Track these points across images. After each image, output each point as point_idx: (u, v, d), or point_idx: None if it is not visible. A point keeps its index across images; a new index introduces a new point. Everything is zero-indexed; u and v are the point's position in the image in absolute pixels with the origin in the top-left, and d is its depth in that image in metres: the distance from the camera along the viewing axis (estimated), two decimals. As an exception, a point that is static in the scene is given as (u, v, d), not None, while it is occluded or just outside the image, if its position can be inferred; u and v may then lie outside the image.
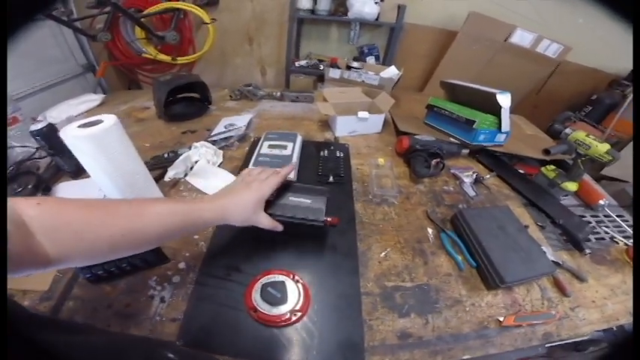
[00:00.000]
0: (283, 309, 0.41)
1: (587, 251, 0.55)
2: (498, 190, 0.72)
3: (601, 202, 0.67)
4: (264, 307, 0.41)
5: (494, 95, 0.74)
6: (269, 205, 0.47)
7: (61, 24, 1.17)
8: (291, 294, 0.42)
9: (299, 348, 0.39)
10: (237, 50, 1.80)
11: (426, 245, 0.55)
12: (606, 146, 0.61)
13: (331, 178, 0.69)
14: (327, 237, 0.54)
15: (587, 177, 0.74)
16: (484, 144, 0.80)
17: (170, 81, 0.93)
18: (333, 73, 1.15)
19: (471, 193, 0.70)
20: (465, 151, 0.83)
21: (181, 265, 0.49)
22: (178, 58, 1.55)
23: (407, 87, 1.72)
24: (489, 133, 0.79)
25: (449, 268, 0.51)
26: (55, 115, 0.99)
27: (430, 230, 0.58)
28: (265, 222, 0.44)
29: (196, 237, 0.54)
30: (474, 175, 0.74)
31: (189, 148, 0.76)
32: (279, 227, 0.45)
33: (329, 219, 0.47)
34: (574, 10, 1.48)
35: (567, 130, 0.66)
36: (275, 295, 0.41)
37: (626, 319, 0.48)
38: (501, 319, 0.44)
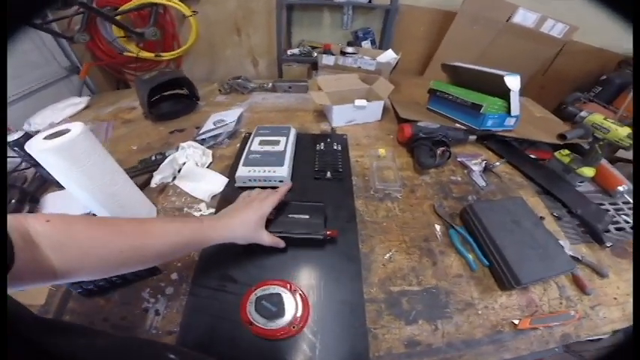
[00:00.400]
0: (280, 322, 0.38)
1: (608, 244, 0.51)
2: (510, 179, 0.68)
3: (620, 188, 0.63)
4: (259, 321, 0.38)
5: (501, 77, 0.69)
6: (269, 223, 0.48)
7: (34, 27, 1.11)
8: (289, 306, 0.39)
9: (300, 362, 0.37)
10: (226, 42, 1.73)
11: (434, 244, 0.52)
12: (627, 130, 0.57)
13: (329, 174, 0.66)
14: (327, 243, 0.51)
15: (604, 161, 0.69)
16: (492, 129, 0.76)
17: (152, 79, 0.88)
18: (327, 60, 1.10)
19: (481, 182, 0.66)
20: (473, 138, 0.78)
21: (174, 276, 0.47)
22: (163, 54, 1.49)
23: (406, 71, 1.66)
24: (498, 118, 0.74)
25: (459, 269, 0.48)
26: (39, 121, 0.96)
27: (438, 227, 0.55)
28: (267, 239, 0.46)
29: (186, 246, 0.52)
30: (483, 163, 0.70)
31: (177, 149, 0.72)
32: (281, 244, 0.47)
33: (328, 232, 0.49)
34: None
35: (583, 113, 0.62)
36: (270, 308, 0.38)
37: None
38: (516, 322, 0.41)
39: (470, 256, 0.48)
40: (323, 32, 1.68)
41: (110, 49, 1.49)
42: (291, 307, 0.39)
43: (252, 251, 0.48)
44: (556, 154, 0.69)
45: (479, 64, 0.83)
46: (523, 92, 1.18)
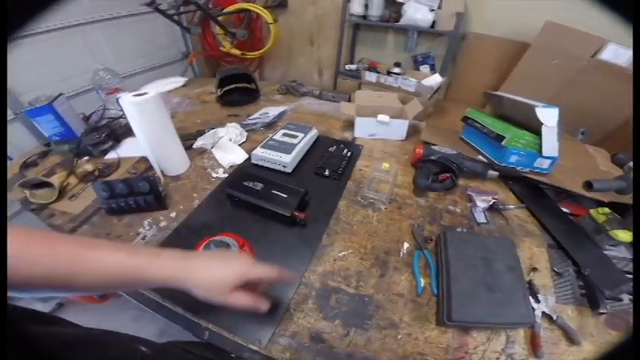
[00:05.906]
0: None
1: (602, 311, 0.40)
2: (520, 225, 0.57)
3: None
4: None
5: (533, 108, 0.58)
6: (249, 191, 0.54)
7: (164, 16, 1.31)
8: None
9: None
10: (302, 50, 1.88)
11: (393, 259, 0.49)
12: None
13: (326, 172, 0.68)
14: (297, 224, 0.54)
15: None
16: (517, 167, 0.65)
17: (225, 71, 1.05)
18: (369, 77, 1.10)
19: (481, 219, 0.58)
20: (494, 174, 0.67)
21: (172, 214, 0.57)
22: (247, 53, 1.72)
23: (468, 101, 1.50)
24: (525, 155, 0.62)
25: (404, 289, 0.44)
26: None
27: (406, 245, 0.51)
28: (241, 302, 0.31)
29: (195, 195, 0.62)
30: (492, 202, 0.60)
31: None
32: (264, 306, 0.33)
33: (296, 213, 0.51)
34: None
35: (631, 164, 0.47)
36: (213, 250, 0.43)
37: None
38: (431, 360, 0.36)
39: (422, 280, 0.43)
40: (386, 53, 1.66)
41: (214, 42, 1.78)
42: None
43: (236, 211, 0.55)
44: (592, 211, 0.54)
45: (554, 102, 0.67)
46: (603, 144, 0.94)
